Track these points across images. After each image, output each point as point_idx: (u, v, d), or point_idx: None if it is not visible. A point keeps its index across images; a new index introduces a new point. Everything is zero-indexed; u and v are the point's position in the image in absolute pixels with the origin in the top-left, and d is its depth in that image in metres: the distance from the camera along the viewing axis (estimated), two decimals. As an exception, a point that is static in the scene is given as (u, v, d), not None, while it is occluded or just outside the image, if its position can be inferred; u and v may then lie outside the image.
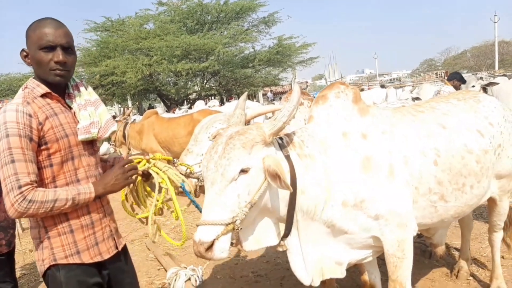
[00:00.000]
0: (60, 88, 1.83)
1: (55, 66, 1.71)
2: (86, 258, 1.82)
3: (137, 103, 27.35)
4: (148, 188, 2.12)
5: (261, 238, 2.05)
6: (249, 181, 1.84)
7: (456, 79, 6.78)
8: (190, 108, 15.57)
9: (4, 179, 1.60)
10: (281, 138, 2.06)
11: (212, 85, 25.72)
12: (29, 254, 5.22)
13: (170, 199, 2.05)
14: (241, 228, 1.84)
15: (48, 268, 1.78)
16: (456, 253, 3.96)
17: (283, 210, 2.01)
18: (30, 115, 1.65)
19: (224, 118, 2.44)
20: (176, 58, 21.47)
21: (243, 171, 1.83)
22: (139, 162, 2.00)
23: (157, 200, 2.01)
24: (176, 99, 24.57)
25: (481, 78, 9.31)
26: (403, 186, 2.19)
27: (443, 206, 2.38)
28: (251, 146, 1.86)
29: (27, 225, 6.45)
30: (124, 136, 7.74)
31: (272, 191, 1.94)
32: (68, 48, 1.76)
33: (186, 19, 23.93)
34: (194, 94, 25.76)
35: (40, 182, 1.71)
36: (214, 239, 1.78)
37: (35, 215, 1.66)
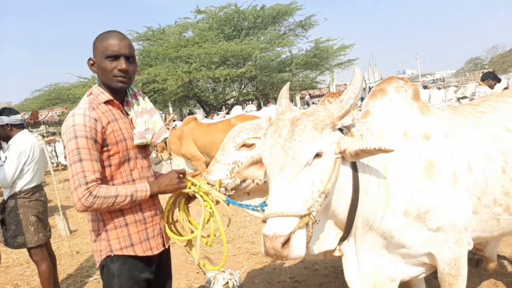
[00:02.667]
0: (120, 96, 2.01)
1: (119, 73, 1.89)
2: (139, 251, 1.95)
3: (177, 109, 28.02)
4: (187, 213, 2.17)
5: (322, 241, 1.90)
6: (322, 167, 1.67)
7: (491, 78, 6.56)
8: (227, 113, 15.75)
9: (72, 176, 1.77)
10: (340, 129, 1.91)
11: (250, 90, 25.88)
12: (76, 256, 5.44)
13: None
14: (318, 221, 1.65)
15: (104, 260, 1.92)
16: (505, 262, 3.73)
17: (344, 211, 1.88)
18: (95, 119, 1.83)
19: (251, 128, 2.42)
20: (214, 64, 21.82)
21: (318, 155, 1.66)
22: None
23: (204, 221, 2.06)
24: (214, 104, 24.95)
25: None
26: (465, 196, 2.01)
27: (507, 219, 2.16)
28: (321, 128, 1.70)
29: (75, 227, 6.76)
30: (165, 141, 7.95)
31: (336, 186, 1.77)
32: (130, 58, 1.94)
33: (223, 26, 24.28)
34: (232, 100, 26.03)
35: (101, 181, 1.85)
36: (291, 233, 1.56)
37: (99, 209, 1.82)
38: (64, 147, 1.86)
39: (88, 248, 5.59)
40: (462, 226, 2.01)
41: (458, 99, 8.80)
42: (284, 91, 2.15)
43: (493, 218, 2.13)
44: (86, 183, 1.75)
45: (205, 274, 4.01)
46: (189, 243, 2.16)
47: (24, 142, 3.73)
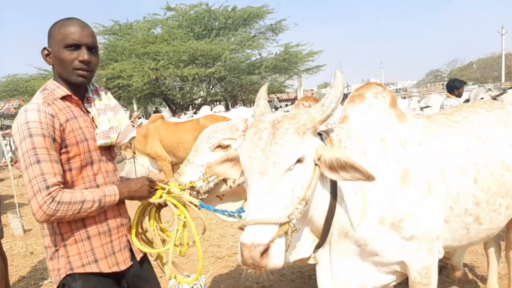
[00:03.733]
0: (79, 92, 1.79)
1: (80, 65, 1.68)
2: (104, 267, 1.73)
3: (142, 107, 27.43)
4: (158, 221, 1.99)
5: (297, 248, 1.84)
6: (303, 173, 1.61)
7: (456, 88, 6.25)
8: (195, 113, 15.55)
9: (29, 180, 1.53)
10: (320, 134, 1.86)
11: (218, 90, 25.79)
12: (29, 257, 5.15)
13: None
14: (298, 230, 1.57)
15: (64, 278, 1.69)
16: (466, 269, 3.84)
17: (321, 218, 1.82)
18: (52, 115, 1.61)
19: (227, 128, 2.32)
20: (182, 63, 21.58)
21: (299, 160, 1.59)
22: (156, 190, 1.91)
23: (176, 234, 1.89)
24: (181, 103, 24.64)
25: (489, 89, 9.21)
26: (438, 205, 2.01)
27: (476, 229, 2.18)
28: (303, 132, 1.63)
29: (28, 226, 6.40)
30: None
31: (317, 192, 1.70)
32: (93, 49, 1.74)
33: (193, 25, 24.09)
34: (200, 99, 25.84)
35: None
36: (270, 242, 1.48)
37: (63, 218, 1.58)
38: (16, 149, 1.61)
39: (43, 249, 5.29)
40: (434, 235, 2.02)
41: (421, 108, 9.10)
42: (263, 92, 2.05)
43: (463, 228, 2.16)
44: (47, 187, 1.52)
45: (169, 279, 3.87)
46: (160, 256, 2.00)
47: None
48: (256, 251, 1.45)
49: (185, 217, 1.90)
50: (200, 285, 3.73)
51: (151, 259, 2.02)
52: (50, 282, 4.29)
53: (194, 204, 1.93)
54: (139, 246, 1.88)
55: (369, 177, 1.57)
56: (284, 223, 1.51)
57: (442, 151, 2.11)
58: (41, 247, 5.39)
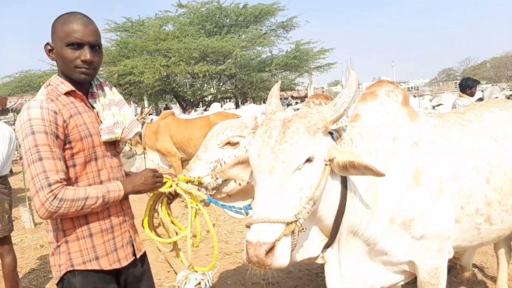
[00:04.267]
0: (84, 87, 1.77)
1: (81, 64, 1.65)
2: (105, 265, 1.72)
3: (153, 104, 27.58)
4: (170, 213, 2.01)
5: (305, 248, 1.82)
6: (312, 173, 1.60)
7: (469, 87, 6.10)
8: (205, 110, 15.59)
9: (32, 178, 1.53)
10: (330, 133, 1.85)
11: (228, 88, 25.80)
12: (39, 250, 5.22)
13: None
14: (304, 229, 1.56)
15: (64, 274, 1.69)
16: (476, 270, 3.80)
17: (331, 217, 1.81)
18: (55, 112, 1.59)
19: (236, 125, 2.31)
20: (193, 60, 21.61)
21: (308, 160, 1.58)
22: (165, 183, 1.91)
23: (190, 223, 1.91)
24: (192, 100, 24.70)
25: (503, 88, 9.03)
26: (450, 205, 1.98)
27: (487, 229, 2.16)
28: (314, 131, 1.62)
29: (39, 220, 6.49)
30: (140, 135, 7.74)
31: (326, 191, 1.69)
32: (96, 47, 1.70)
33: (205, 22, 24.10)
34: (210, 96, 25.86)
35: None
36: (276, 241, 1.48)
37: (66, 214, 1.58)
38: (19, 146, 1.60)
39: (53, 242, 5.37)
40: (445, 235, 2.00)
41: (433, 107, 8.99)
42: (275, 91, 2.04)
43: (474, 228, 2.13)
44: (49, 185, 1.51)
45: (176, 273, 3.90)
46: (176, 246, 2.00)
47: (5, 128, 3.62)
48: (262, 250, 1.45)
49: (197, 205, 1.89)
50: (208, 281, 3.75)
51: (165, 250, 2.02)
52: (60, 275, 4.37)
53: (202, 199, 1.94)
54: (154, 238, 1.88)
55: (378, 174, 1.58)
56: (291, 222, 1.50)
57: (454, 150, 2.08)
58: (51, 240, 5.47)
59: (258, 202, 1.56)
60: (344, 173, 1.68)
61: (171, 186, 1.90)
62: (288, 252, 1.51)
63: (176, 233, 1.95)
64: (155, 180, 1.82)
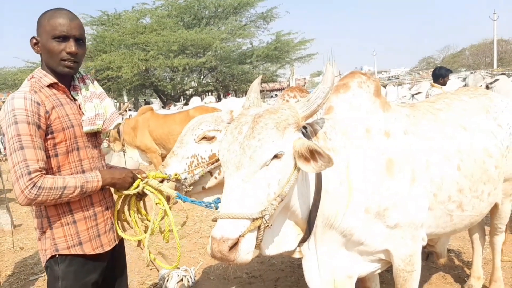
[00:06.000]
0: (66, 80, 1.85)
1: (67, 56, 1.74)
2: (88, 250, 1.81)
3: (133, 99, 27.19)
4: (140, 209, 2.03)
5: (280, 242, 1.83)
6: (281, 169, 1.59)
7: (442, 76, 6.04)
8: (186, 104, 15.46)
9: (13, 166, 1.62)
10: (304, 127, 1.85)
11: (209, 81, 25.61)
12: (19, 252, 5.10)
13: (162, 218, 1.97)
14: (270, 226, 1.56)
15: (48, 261, 1.78)
16: (453, 255, 3.89)
17: (305, 211, 1.82)
18: (38, 103, 1.67)
19: (212, 119, 2.30)
20: (172, 53, 21.36)
21: (276, 156, 1.57)
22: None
23: (153, 223, 1.92)
24: (172, 94, 24.46)
25: (484, 77, 9.20)
26: (422, 193, 2.02)
27: (459, 216, 2.22)
28: (283, 127, 1.60)
29: (18, 221, 6.35)
30: (118, 131, 7.62)
31: (298, 186, 1.71)
32: (80, 40, 1.80)
33: (183, 14, 23.80)
34: (191, 90, 25.64)
35: (46, 171, 1.71)
36: (240, 236, 1.49)
37: (44, 202, 1.66)
38: (3, 135, 1.69)
39: (33, 244, 5.27)
40: (418, 222, 2.03)
41: (412, 95, 9.13)
42: (255, 85, 2.03)
43: (446, 214, 2.18)
44: (29, 173, 1.59)
45: (158, 271, 3.88)
46: (142, 243, 2.02)
47: None
48: (225, 245, 1.46)
49: (163, 206, 1.91)
50: (190, 277, 3.74)
51: (134, 245, 2.06)
52: (40, 277, 4.29)
53: (172, 196, 1.96)
54: (120, 233, 1.94)
55: (329, 161, 1.55)
56: (257, 219, 1.51)
57: (426, 139, 2.12)
58: (31, 242, 5.35)
59: (225, 197, 1.57)
60: (307, 166, 1.61)
61: (138, 186, 1.92)
62: (252, 248, 1.52)
63: (146, 227, 1.98)
64: (131, 181, 1.89)
